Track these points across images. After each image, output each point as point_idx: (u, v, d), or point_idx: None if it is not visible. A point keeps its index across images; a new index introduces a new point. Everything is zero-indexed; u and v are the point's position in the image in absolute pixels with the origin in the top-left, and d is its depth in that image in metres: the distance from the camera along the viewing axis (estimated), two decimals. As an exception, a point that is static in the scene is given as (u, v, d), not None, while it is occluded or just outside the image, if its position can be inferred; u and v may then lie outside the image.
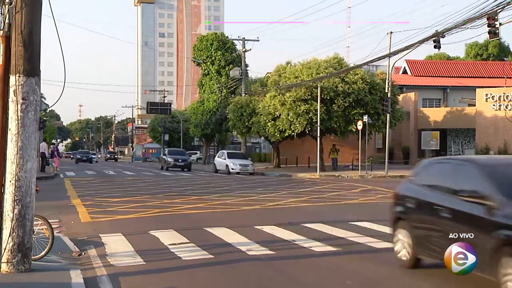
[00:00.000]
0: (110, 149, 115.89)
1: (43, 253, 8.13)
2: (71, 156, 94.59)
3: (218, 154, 42.53)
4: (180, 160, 41.22)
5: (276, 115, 35.79)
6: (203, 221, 12.93)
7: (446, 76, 55.93)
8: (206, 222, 12.54)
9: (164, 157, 43.75)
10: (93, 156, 78.50)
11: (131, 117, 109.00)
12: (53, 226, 8.76)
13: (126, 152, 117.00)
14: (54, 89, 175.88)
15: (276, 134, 36.46)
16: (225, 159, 38.27)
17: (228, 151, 43.62)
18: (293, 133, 35.70)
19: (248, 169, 36.74)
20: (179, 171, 39.46)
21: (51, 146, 56.34)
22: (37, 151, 20.96)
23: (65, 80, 7.91)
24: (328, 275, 7.74)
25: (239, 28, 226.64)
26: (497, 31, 22.16)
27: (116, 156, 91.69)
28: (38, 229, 8.20)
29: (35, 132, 7.43)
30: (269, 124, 36.38)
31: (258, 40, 45.39)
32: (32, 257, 7.64)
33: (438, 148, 46.21)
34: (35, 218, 7.96)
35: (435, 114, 47.40)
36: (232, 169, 36.54)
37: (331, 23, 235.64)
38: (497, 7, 21.58)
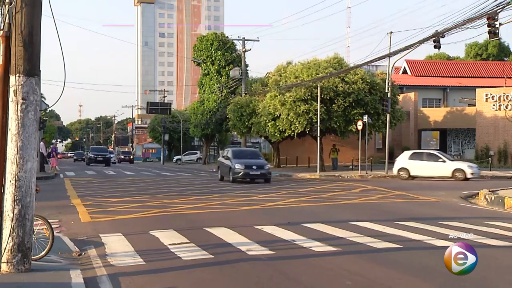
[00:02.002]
0: (110, 149, 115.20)
1: (43, 253, 8.13)
2: (75, 157, 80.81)
3: (411, 156, 30.14)
4: (254, 167, 26.58)
5: (276, 115, 35.78)
6: (203, 221, 12.93)
7: (446, 76, 55.96)
8: (206, 222, 12.54)
9: (227, 162, 27.86)
10: (111, 155, 59.55)
11: (131, 117, 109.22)
12: (53, 226, 8.76)
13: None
14: (54, 89, 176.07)
15: (276, 134, 36.43)
16: (447, 162, 28.49)
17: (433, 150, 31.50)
18: (293, 133, 35.69)
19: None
20: (248, 181, 26.88)
21: (50, 146, 56.25)
22: (38, 151, 21.06)
23: (65, 80, 7.92)
24: (328, 275, 7.74)
25: (239, 28, 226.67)
26: (497, 31, 22.16)
27: (132, 157, 73.41)
28: (38, 229, 8.21)
29: (35, 132, 7.43)
30: (269, 124, 36.36)
31: (258, 40, 45.40)
32: (32, 257, 7.65)
33: (438, 148, 46.27)
34: (35, 218, 7.97)
35: (435, 114, 47.43)
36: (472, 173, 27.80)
37: (331, 23, 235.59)
38: (497, 7, 21.58)
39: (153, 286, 7.24)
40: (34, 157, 7.49)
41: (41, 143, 35.63)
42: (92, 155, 51.86)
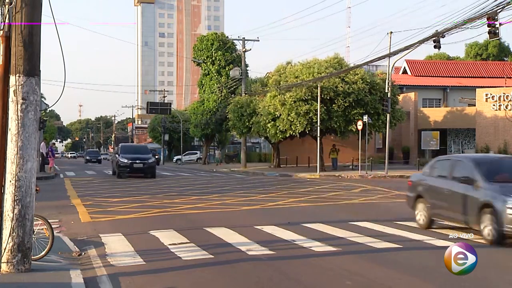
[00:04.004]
0: (110, 149, 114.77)
1: (43, 253, 8.14)
2: (87, 157, 67.68)
3: None
4: None
5: (276, 115, 35.77)
6: (203, 221, 12.94)
7: (446, 76, 55.93)
8: (206, 222, 12.54)
9: (462, 189, 10.98)
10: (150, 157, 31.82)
11: (131, 117, 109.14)
12: (53, 226, 8.76)
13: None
14: (54, 89, 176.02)
15: (277, 134, 36.41)
16: None
17: None
18: (293, 133, 35.66)
19: None
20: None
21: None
22: (38, 151, 21.07)
23: (65, 80, 7.92)
24: (328, 275, 7.74)
25: (239, 28, 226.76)
26: (497, 31, 22.15)
27: (158, 157, 57.93)
28: (38, 229, 8.21)
29: (35, 132, 7.44)
30: (269, 124, 36.35)
31: (258, 40, 45.39)
32: (32, 257, 7.66)
33: (438, 148, 46.23)
34: (35, 218, 7.98)
35: (435, 114, 47.39)
36: None
37: (330, 23, 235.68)
38: (497, 7, 21.57)
39: (153, 286, 7.24)
40: (34, 157, 7.49)
41: (42, 143, 35.71)
42: (126, 161, 29.28)
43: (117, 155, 30.65)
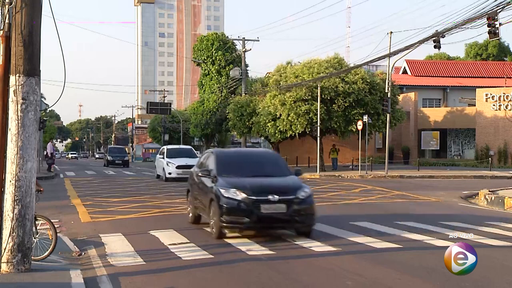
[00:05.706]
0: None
1: (46, 253, 8.15)
2: (109, 158, 49.36)
3: None
4: None
5: (276, 115, 35.76)
6: (203, 221, 12.92)
7: (446, 76, 55.93)
8: (206, 222, 12.53)
9: None
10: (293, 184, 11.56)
11: (131, 117, 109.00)
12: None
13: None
14: (54, 89, 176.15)
15: (277, 134, 36.39)
16: None
17: None
18: (294, 134, 35.65)
19: None
20: None
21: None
22: (38, 151, 21.10)
23: (65, 80, 7.93)
24: (328, 275, 7.74)
25: (239, 28, 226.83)
26: (497, 31, 22.13)
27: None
28: (41, 230, 8.23)
29: (35, 132, 7.44)
30: (269, 124, 36.33)
31: (258, 40, 45.35)
32: (35, 258, 7.67)
33: (438, 148, 46.25)
34: (38, 218, 7.99)
35: (435, 114, 47.40)
36: None
37: (330, 23, 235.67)
38: (497, 7, 21.55)
39: (153, 286, 7.24)
40: (34, 157, 7.49)
41: (49, 143, 35.94)
42: (242, 197, 10.22)
43: (208, 178, 11.66)
